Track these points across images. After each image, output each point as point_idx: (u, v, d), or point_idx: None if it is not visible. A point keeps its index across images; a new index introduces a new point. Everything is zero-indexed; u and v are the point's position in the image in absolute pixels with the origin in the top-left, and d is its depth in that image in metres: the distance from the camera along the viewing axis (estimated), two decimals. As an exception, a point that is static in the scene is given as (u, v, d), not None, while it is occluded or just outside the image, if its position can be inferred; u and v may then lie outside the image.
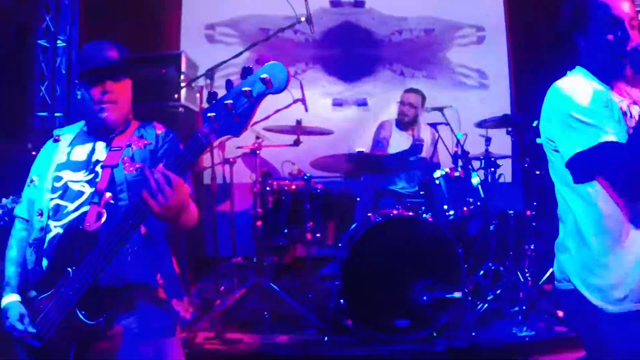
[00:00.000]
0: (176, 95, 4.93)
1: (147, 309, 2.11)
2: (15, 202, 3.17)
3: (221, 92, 1.80)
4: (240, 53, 4.31)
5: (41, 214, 2.17)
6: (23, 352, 2.06)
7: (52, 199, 2.17)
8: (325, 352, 3.80)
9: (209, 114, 1.79)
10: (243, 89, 1.75)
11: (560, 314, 4.37)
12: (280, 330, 4.06)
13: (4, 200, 3.21)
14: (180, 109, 4.95)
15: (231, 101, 1.76)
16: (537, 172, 4.70)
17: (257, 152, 4.49)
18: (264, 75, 1.73)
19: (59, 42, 6.00)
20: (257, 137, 4.65)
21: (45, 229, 2.14)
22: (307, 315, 4.07)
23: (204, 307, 4.35)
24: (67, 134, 2.34)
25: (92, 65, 2.19)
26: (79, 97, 2.27)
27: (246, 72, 1.77)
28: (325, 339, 3.84)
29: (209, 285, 4.96)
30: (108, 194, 2.10)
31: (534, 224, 4.69)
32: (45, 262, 2.10)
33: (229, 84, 1.79)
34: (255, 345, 3.84)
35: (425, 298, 3.89)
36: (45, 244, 2.13)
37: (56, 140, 2.33)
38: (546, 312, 4.48)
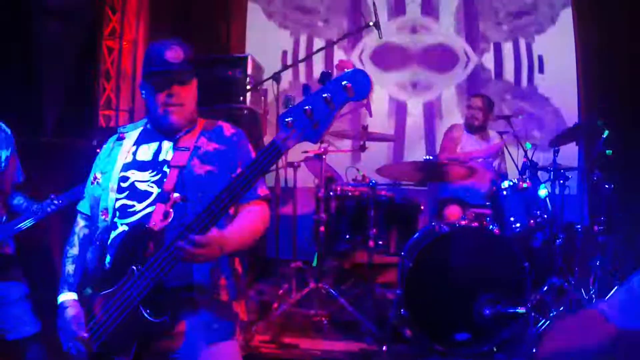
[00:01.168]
0: (242, 98, 4.98)
1: (209, 309, 2.11)
2: (60, 200, 3.23)
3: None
4: (305, 58, 4.33)
5: (106, 214, 2.17)
6: (73, 351, 2.04)
7: (118, 199, 2.16)
8: (382, 361, 3.75)
9: (286, 119, 1.78)
10: (323, 95, 1.73)
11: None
12: (337, 337, 4.05)
13: (52, 196, 3.25)
14: (245, 111, 5.00)
15: (310, 107, 1.74)
16: (606, 186, 4.55)
17: (323, 157, 4.49)
18: (346, 83, 1.71)
19: (124, 42, 6.17)
20: (322, 142, 4.64)
21: (111, 227, 2.15)
22: (365, 323, 4.05)
23: (262, 309, 4.37)
24: (131, 132, 2.32)
25: (159, 68, 2.15)
26: (143, 96, 2.26)
27: (325, 77, 1.75)
28: (384, 348, 3.82)
29: (268, 287, 4.99)
30: (176, 194, 2.09)
31: (600, 239, 4.54)
32: (108, 259, 2.11)
33: (306, 88, 1.78)
34: (312, 351, 3.83)
35: (487, 312, 3.81)
36: (109, 241, 2.13)
37: (121, 138, 2.32)
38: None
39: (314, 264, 4.61)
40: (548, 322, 4.18)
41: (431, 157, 4.53)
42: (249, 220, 2.17)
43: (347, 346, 3.92)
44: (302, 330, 4.14)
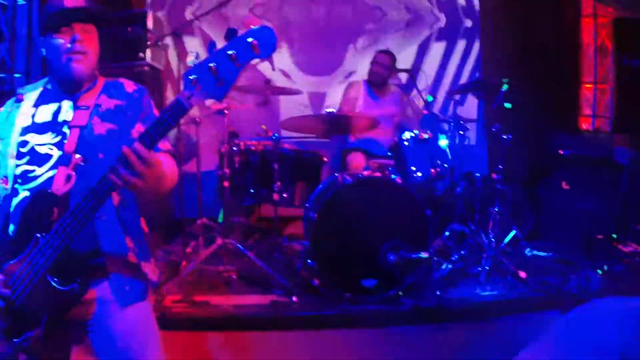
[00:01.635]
0: (142, 54, 4.82)
1: (118, 273, 2.07)
2: None
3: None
4: (209, 11, 4.23)
5: (6, 181, 2.08)
6: None
7: (18, 165, 2.07)
8: (293, 313, 3.83)
9: (191, 77, 1.74)
10: (229, 52, 1.70)
11: (522, 274, 4.49)
12: (247, 291, 4.05)
13: None
14: (146, 68, 4.85)
15: (215, 64, 1.71)
16: (504, 137, 4.75)
17: (225, 112, 4.43)
18: (252, 40, 1.69)
19: (18, 0, 5.79)
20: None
21: (12, 195, 2.06)
22: (274, 275, 4.07)
23: (171, 269, 4.32)
24: (30, 93, 2.21)
25: (60, 6, 2.07)
26: (43, 53, 2.14)
27: (231, 33, 1.72)
28: (293, 299, 3.87)
29: (176, 247, 4.94)
30: (77, 156, 2.02)
31: (498, 186, 4.76)
32: (11, 228, 2.02)
33: (212, 45, 1.74)
34: (223, 307, 3.82)
35: (392, 258, 3.93)
36: (12, 210, 2.04)
37: (19, 100, 2.20)
38: (509, 272, 4.60)
39: (220, 220, 4.59)
40: (450, 265, 4.38)
41: (334, 110, 4.57)
42: (165, 163, 2.07)
43: (257, 299, 3.94)
44: (212, 287, 4.12)
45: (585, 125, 6.68)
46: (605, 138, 6.06)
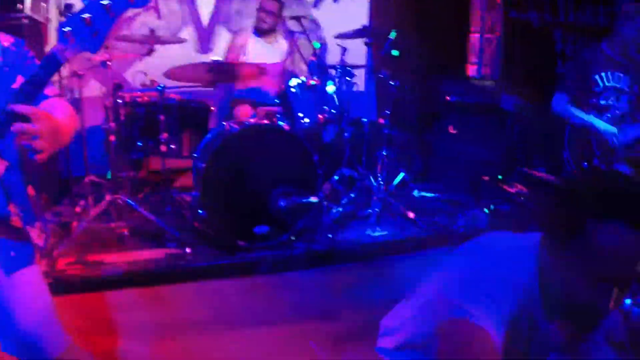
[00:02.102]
0: (20, 6, 4.56)
1: (2, 238, 1.98)
2: None
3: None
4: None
5: None
6: None
7: None
8: (188, 264, 3.82)
9: (64, 29, 1.67)
10: (103, 2, 1.64)
11: (411, 215, 4.65)
12: (141, 247, 3.99)
13: None
14: (25, 20, 4.59)
15: (89, 15, 1.65)
16: (392, 83, 4.84)
17: (108, 63, 4.26)
18: (126, -13, 1.63)
19: None
20: (107, 48, 4.40)
21: None
22: (167, 229, 4.03)
23: (62, 231, 4.18)
24: None
25: None
26: None
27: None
28: (187, 251, 3.86)
29: (65, 208, 4.76)
30: None
31: (386, 131, 4.86)
32: None
33: None
34: (118, 264, 3.74)
35: (283, 204, 3.98)
36: None
37: None
38: (398, 214, 4.74)
39: (108, 176, 4.47)
40: (341, 209, 4.46)
41: (220, 58, 4.50)
42: (58, 107, 1.96)
43: (151, 254, 3.89)
44: (104, 245, 4.01)
45: (472, 72, 6.89)
46: (492, 86, 6.28)
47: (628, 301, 3.74)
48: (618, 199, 1.33)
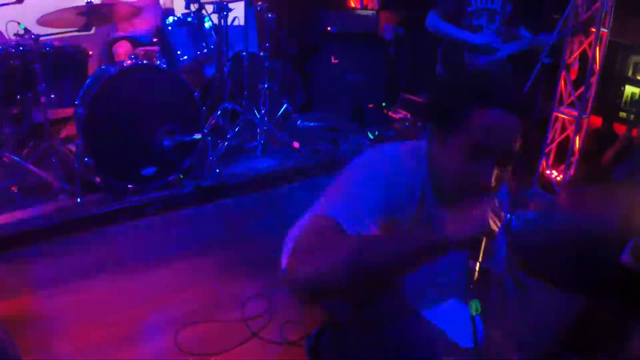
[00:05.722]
0: None
1: None
2: None
3: None
4: None
5: None
6: None
7: None
8: (80, 214, 3.79)
9: None
10: None
11: (296, 144, 4.78)
12: (31, 203, 3.87)
13: None
14: None
15: None
16: (269, 15, 4.86)
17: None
18: None
19: None
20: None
21: None
22: (55, 181, 3.96)
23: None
24: None
25: None
26: None
27: None
28: (78, 200, 3.82)
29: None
30: None
31: (267, 64, 4.91)
32: None
33: None
34: (8, 225, 3.64)
35: (167, 143, 4.00)
36: None
37: None
38: (282, 144, 4.87)
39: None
40: (226, 143, 4.53)
41: (94, 0, 4.36)
42: None
43: (42, 209, 3.81)
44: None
45: (354, 3, 6.96)
46: (373, 16, 6.39)
47: (509, 216, 4.08)
48: (498, 88, 1.51)
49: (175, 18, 4.32)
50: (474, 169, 1.49)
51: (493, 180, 1.48)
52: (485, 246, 1.43)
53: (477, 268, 1.42)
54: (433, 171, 1.62)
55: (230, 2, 4.86)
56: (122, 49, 4.78)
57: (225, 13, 4.65)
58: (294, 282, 1.45)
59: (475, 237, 1.42)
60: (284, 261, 1.99)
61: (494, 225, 1.41)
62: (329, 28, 6.09)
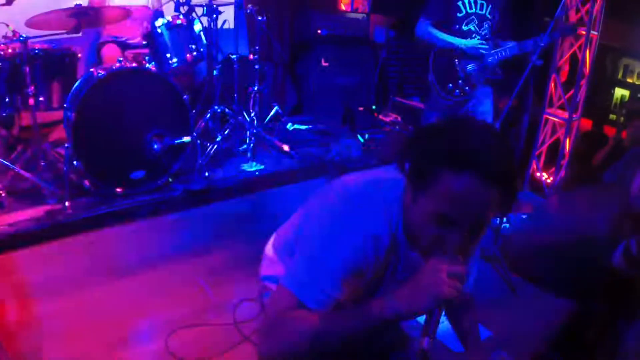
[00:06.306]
0: None
1: None
2: None
3: None
4: None
5: None
6: None
7: None
8: (69, 218, 3.75)
9: None
10: None
11: (286, 147, 4.77)
12: (20, 207, 3.82)
13: None
14: None
15: None
16: (259, 18, 4.85)
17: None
18: None
19: None
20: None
21: None
22: (44, 185, 3.92)
23: None
24: None
25: None
26: None
27: None
28: (67, 204, 3.78)
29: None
30: None
31: (257, 67, 4.89)
32: None
33: None
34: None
35: (157, 147, 3.98)
36: None
37: None
38: (272, 147, 4.86)
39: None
40: (216, 146, 4.51)
41: (83, 3, 4.33)
42: None
43: (31, 213, 3.76)
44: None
45: (344, 6, 6.97)
46: (364, 19, 6.39)
47: (498, 220, 4.09)
48: (475, 150, 1.35)
49: (165, 21, 4.29)
50: (440, 234, 1.40)
51: (457, 248, 1.40)
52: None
53: (425, 347, 1.33)
54: (406, 218, 1.54)
55: (220, 5, 4.86)
56: (111, 52, 4.75)
57: (215, 16, 4.64)
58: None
59: (429, 310, 1.36)
60: (263, 269, 1.99)
61: (452, 291, 1.33)
62: (319, 31, 6.09)
